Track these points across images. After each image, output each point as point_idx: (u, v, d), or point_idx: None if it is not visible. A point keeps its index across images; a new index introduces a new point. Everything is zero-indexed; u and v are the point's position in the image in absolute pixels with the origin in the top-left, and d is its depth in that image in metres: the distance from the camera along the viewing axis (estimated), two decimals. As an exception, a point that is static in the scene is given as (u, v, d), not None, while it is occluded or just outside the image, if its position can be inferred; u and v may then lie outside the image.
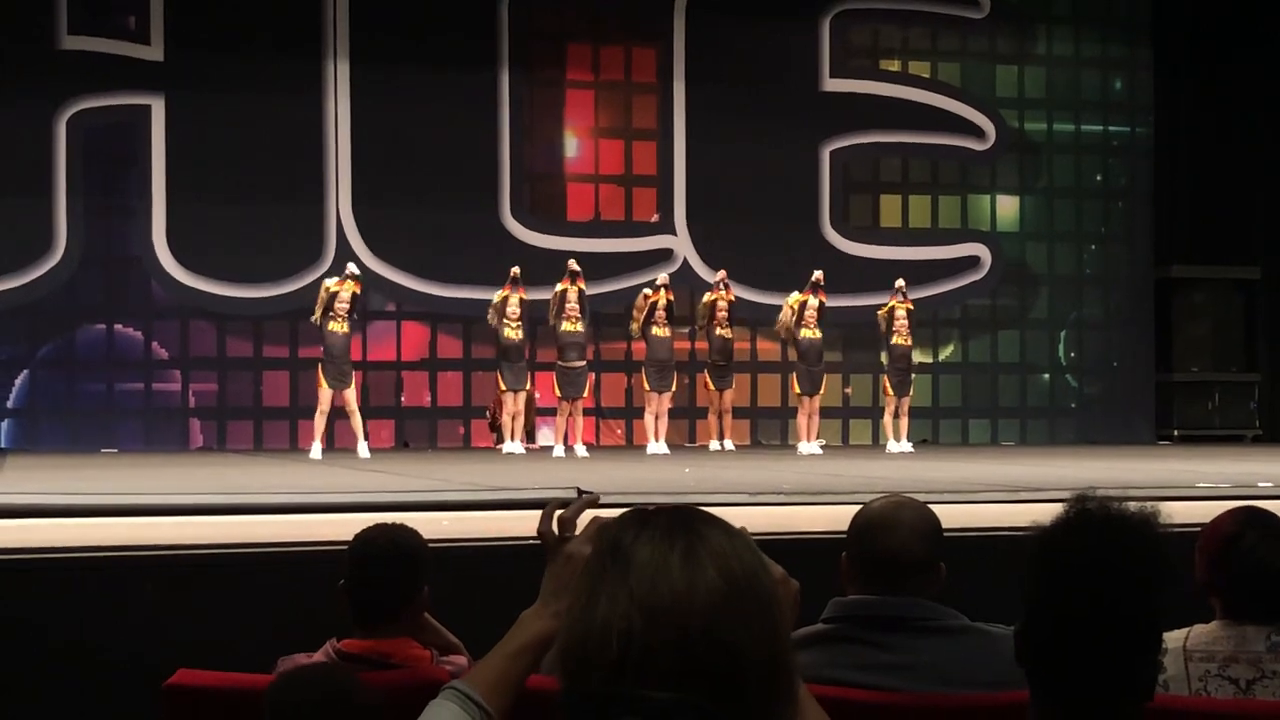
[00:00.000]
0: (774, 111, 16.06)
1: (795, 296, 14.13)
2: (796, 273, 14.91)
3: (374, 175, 15.14)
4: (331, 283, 12.96)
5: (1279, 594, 3.27)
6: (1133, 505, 2.11)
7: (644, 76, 16.31)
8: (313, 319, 12.87)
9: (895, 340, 14.32)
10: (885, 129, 16.63)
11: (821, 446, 14.11)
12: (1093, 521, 2.10)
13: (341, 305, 12.64)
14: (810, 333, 13.97)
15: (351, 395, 12.72)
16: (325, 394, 12.66)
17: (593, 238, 15.84)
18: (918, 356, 14.42)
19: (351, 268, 13.02)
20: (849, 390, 16.39)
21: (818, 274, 14.15)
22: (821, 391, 14.19)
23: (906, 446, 14.09)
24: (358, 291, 12.88)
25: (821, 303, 14.06)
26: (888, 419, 14.44)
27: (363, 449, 12.62)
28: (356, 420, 12.76)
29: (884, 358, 14.71)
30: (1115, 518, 2.09)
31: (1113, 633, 2.03)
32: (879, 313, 14.61)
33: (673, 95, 16.15)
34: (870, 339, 16.18)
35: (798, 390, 14.17)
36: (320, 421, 12.75)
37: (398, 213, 15.04)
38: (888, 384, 14.47)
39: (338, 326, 12.65)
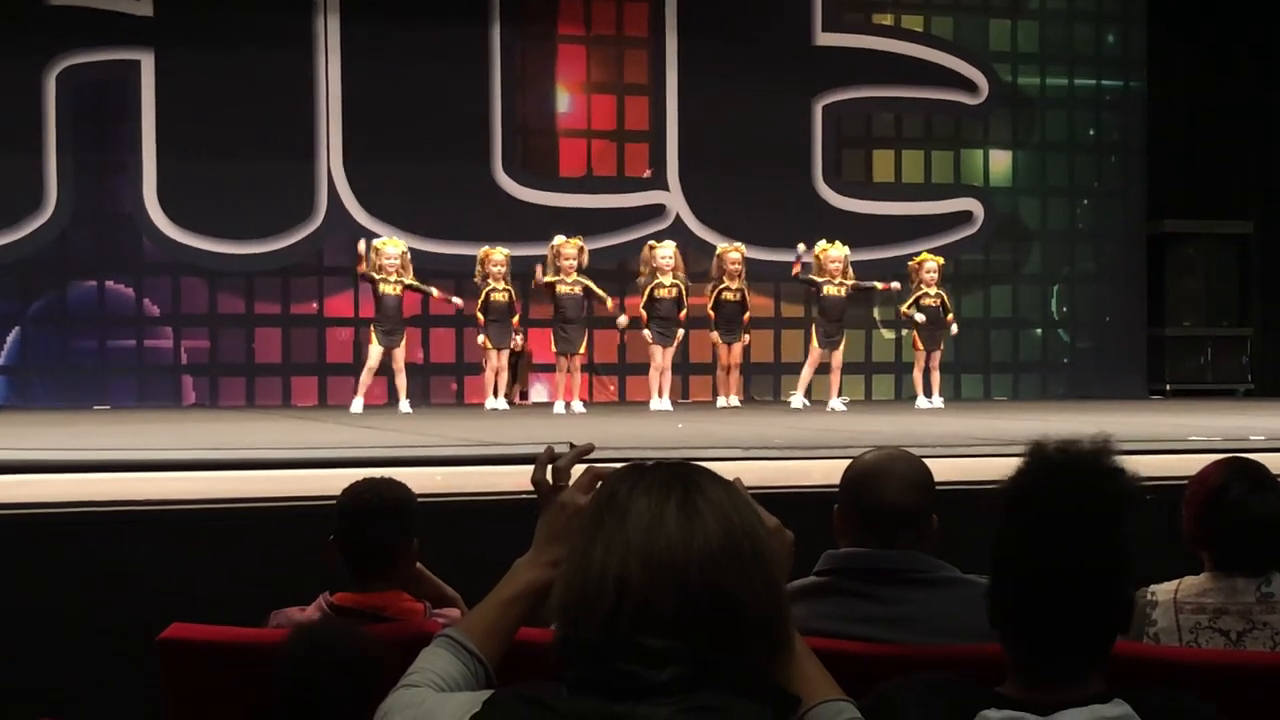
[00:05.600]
0: (766, 66, 16.01)
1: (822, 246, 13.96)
2: (789, 228, 14.88)
3: (365, 130, 15.10)
4: (377, 241, 13.22)
5: (1268, 545, 3.28)
6: (1086, 444, 2.10)
7: (636, 30, 16.24)
8: (363, 278, 13.23)
9: (925, 302, 14.21)
10: (878, 84, 16.59)
11: (845, 403, 13.97)
12: (1057, 467, 2.09)
13: (390, 263, 12.91)
14: (835, 289, 13.82)
15: (400, 354, 13.12)
16: (376, 351, 13.02)
17: (585, 193, 15.81)
18: (927, 300, 14.26)
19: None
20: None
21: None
22: (840, 349, 14.02)
23: (938, 402, 14.07)
24: (404, 250, 13.15)
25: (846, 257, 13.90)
26: (917, 374, 14.39)
27: (404, 405, 12.96)
28: (401, 378, 13.14)
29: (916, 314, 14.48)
30: (1076, 460, 2.08)
31: (1092, 578, 2.03)
32: (910, 263, 14.49)
33: (665, 49, 16.10)
34: (863, 295, 16.17)
35: (816, 345, 13.95)
36: (366, 378, 13.12)
37: (389, 168, 15.00)
38: (918, 339, 14.38)
39: (389, 289, 12.94)
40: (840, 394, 14.09)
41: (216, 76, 14.64)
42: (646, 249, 13.81)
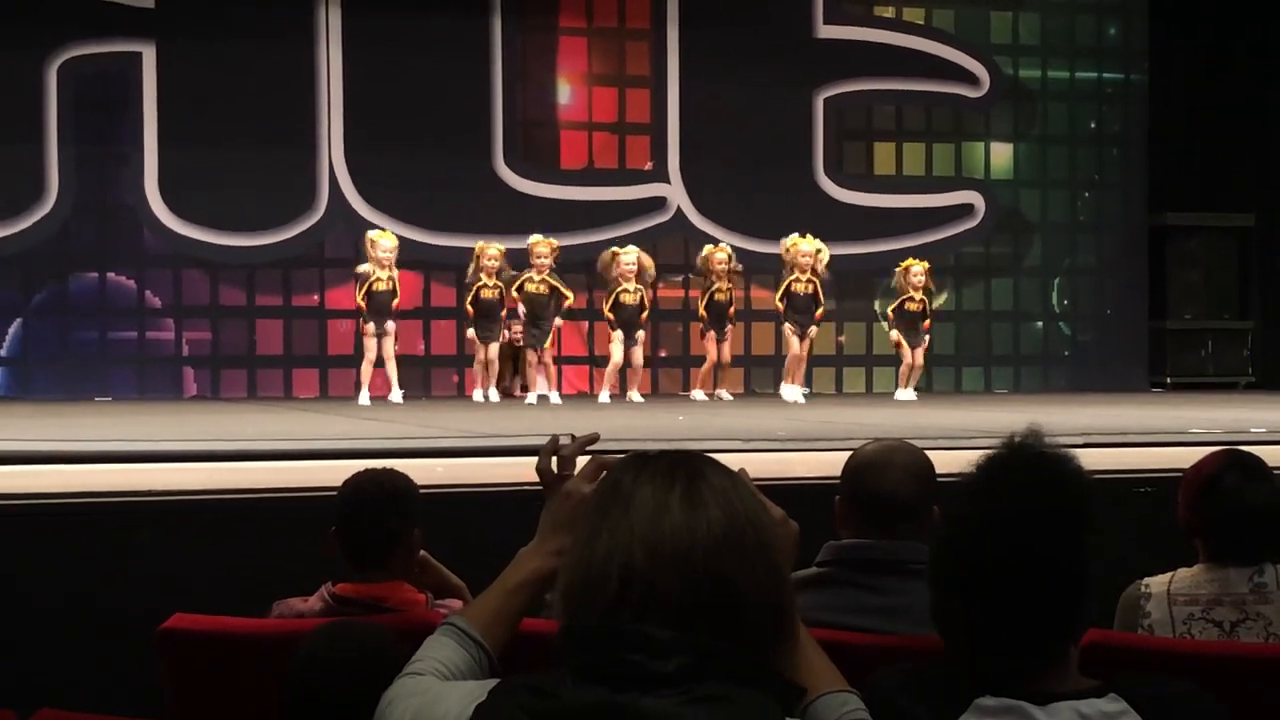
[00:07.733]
0: (768, 58, 15.99)
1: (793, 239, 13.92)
2: (790, 220, 14.87)
3: (366, 122, 15.08)
4: (374, 234, 13.26)
5: (1261, 535, 3.29)
6: (1033, 437, 2.11)
7: (637, 22, 16.22)
8: (357, 270, 13.27)
9: (908, 306, 14.21)
10: (879, 76, 16.56)
11: (805, 394, 13.98)
12: (1015, 463, 2.09)
13: (386, 255, 12.98)
14: (802, 285, 13.80)
15: (390, 345, 13.17)
16: (372, 345, 13.11)
17: (586, 186, 15.80)
18: (910, 305, 14.28)
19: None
20: (842, 338, 16.39)
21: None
22: (810, 336, 13.98)
23: (910, 394, 14.07)
24: (394, 242, 13.18)
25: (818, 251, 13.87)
26: (903, 369, 14.37)
27: (396, 394, 13.10)
28: (392, 367, 13.19)
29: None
30: (1048, 459, 2.09)
31: (1062, 571, 2.03)
32: (897, 268, 14.44)
33: (666, 42, 16.09)
34: (864, 287, 16.19)
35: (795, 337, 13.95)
36: (367, 370, 13.19)
37: (390, 160, 14.99)
38: (901, 337, 14.34)
39: (382, 284, 13.00)
40: (802, 383, 14.07)
41: (218, 68, 14.63)
42: (609, 254, 13.73)
